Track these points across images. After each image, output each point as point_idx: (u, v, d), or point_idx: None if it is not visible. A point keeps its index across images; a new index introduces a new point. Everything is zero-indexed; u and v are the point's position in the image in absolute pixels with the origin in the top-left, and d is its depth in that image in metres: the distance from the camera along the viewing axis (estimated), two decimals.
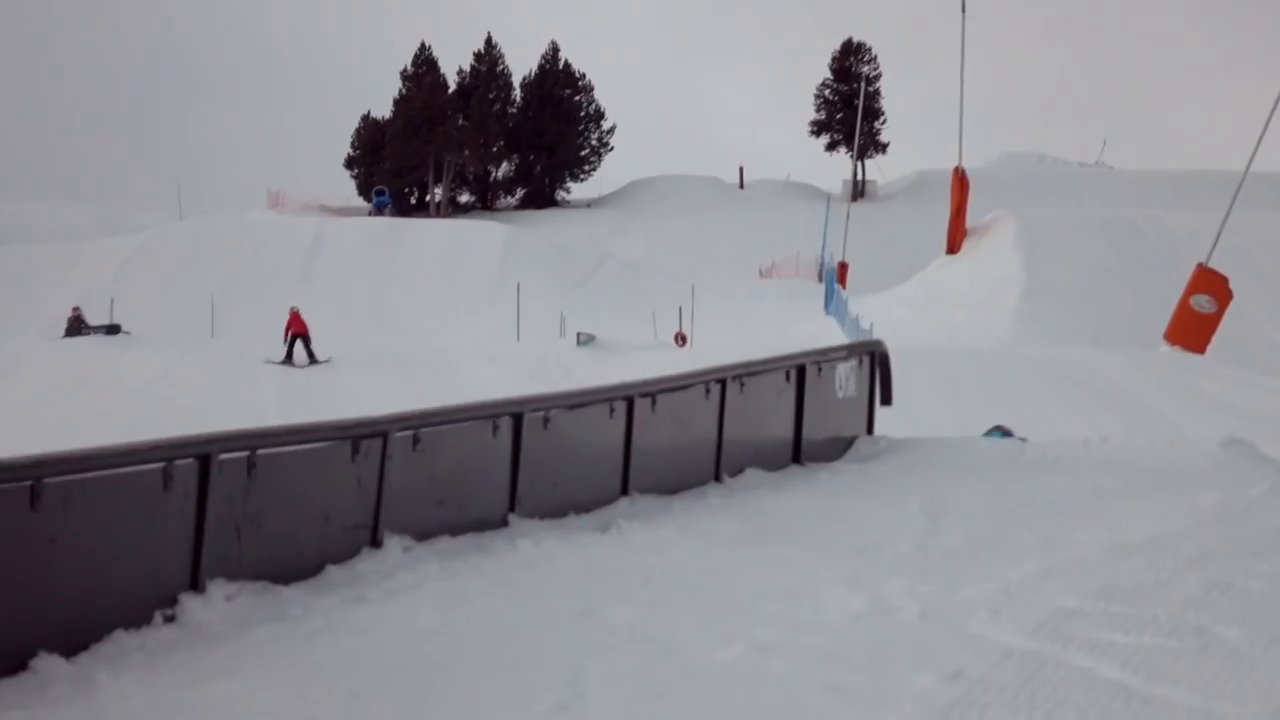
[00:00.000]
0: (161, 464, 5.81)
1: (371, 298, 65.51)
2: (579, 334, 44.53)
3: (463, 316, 61.33)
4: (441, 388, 30.15)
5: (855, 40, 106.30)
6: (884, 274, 63.97)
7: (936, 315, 48.27)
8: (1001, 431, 12.22)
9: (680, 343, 47.57)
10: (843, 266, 62.40)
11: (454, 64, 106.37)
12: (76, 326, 51.77)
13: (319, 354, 42.31)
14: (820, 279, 67.42)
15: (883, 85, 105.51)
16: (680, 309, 52.13)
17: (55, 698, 5.32)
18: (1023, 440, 11.81)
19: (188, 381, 37.89)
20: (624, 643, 5.50)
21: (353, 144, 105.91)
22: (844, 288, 56.79)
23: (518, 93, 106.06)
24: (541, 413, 7.71)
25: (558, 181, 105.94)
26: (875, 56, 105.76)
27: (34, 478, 5.35)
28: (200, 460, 5.94)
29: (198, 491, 5.94)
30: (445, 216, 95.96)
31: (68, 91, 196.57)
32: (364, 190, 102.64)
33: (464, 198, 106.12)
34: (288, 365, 41.53)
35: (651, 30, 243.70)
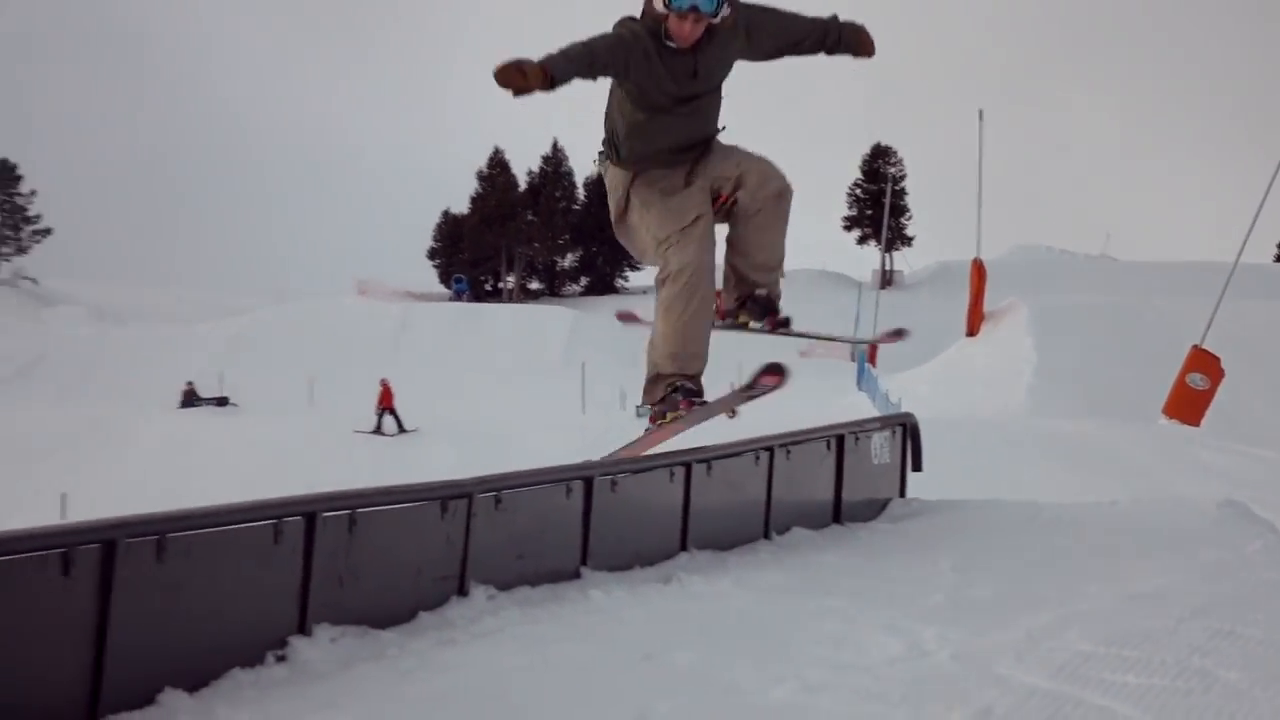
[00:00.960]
0: (272, 521, 5.85)
1: (452, 375, 65.82)
2: (638, 406, 44.42)
3: (533, 391, 61.50)
4: (515, 454, 30.22)
5: (883, 144, 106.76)
6: (910, 354, 63.76)
7: (957, 391, 48.15)
8: None
9: (731, 415, 47.52)
10: (873, 347, 62.24)
11: (524, 166, 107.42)
12: (190, 399, 52.40)
13: (407, 424, 42.52)
14: (852, 359, 67.28)
15: (908, 184, 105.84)
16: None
17: None
18: None
19: (290, 448, 38.10)
20: (686, 682, 5.48)
21: (434, 237, 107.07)
22: (874, 366, 56.75)
23: (581, 191, 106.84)
24: (610, 477, 7.74)
25: (617, 270, 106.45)
26: (901, 159, 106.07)
27: (160, 532, 5.39)
28: (307, 518, 5.98)
29: (304, 546, 5.97)
30: (517, 302, 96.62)
31: (170, 188, 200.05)
32: (444, 278, 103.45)
33: (534, 285, 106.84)
34: (378, 434, 41.73)
35: None
